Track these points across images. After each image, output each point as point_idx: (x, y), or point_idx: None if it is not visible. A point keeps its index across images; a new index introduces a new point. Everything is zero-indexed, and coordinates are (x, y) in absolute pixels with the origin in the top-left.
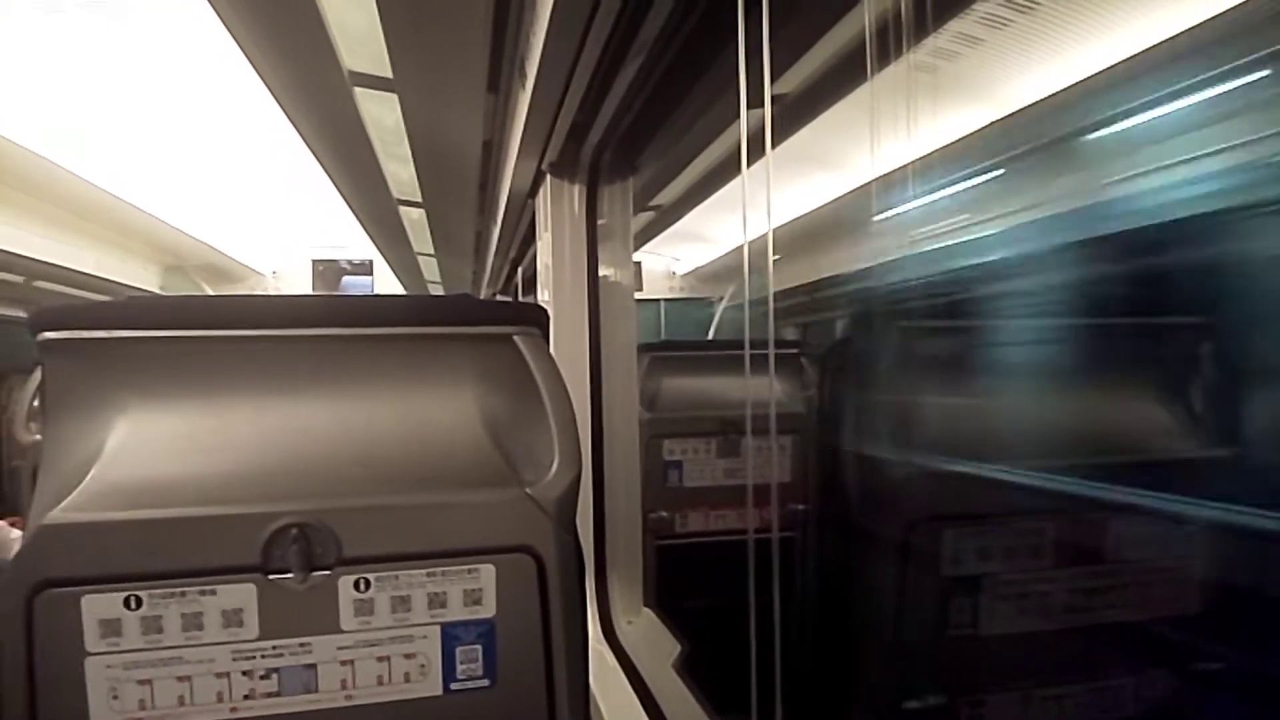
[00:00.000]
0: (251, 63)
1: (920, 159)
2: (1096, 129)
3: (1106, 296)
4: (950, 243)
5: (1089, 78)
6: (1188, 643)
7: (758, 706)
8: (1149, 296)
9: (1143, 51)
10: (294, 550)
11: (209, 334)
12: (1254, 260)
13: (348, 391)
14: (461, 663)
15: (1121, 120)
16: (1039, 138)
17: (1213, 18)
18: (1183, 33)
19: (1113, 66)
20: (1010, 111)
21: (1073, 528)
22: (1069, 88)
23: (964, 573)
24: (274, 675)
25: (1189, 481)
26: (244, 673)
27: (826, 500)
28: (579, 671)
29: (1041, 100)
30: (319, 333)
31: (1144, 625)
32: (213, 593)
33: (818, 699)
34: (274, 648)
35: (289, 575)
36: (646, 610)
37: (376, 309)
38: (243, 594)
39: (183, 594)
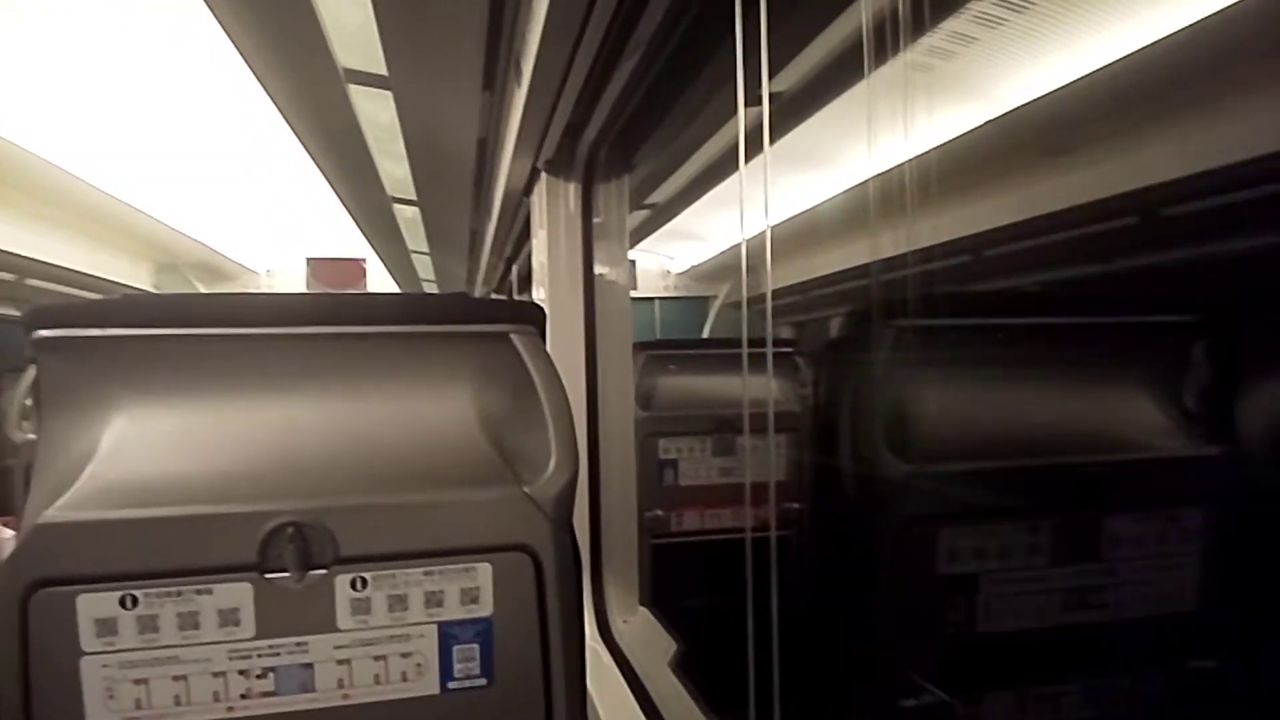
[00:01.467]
0: (245, 59)
1: (917, 157)
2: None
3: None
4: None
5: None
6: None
7: (756, 705)
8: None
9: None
10: (291, 549)
11: (205, 332)
12: None
13: (344, 390)
14: (459, 662)
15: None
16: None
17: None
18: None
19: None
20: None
21: (1069, 525)
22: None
23: (959, 571)
24: (270, 675)
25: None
26: (240, 672)
27: (822, 499)
28: (576, 670)
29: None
30: (315, 331)
31: (1136, 622)
32: (209, 592)
33: (815, 697)
34: (270, 647)
35: (286, 574)
36: (642, 609)
37: (372, 307)
38: (239, 593)
39: (179, 593)
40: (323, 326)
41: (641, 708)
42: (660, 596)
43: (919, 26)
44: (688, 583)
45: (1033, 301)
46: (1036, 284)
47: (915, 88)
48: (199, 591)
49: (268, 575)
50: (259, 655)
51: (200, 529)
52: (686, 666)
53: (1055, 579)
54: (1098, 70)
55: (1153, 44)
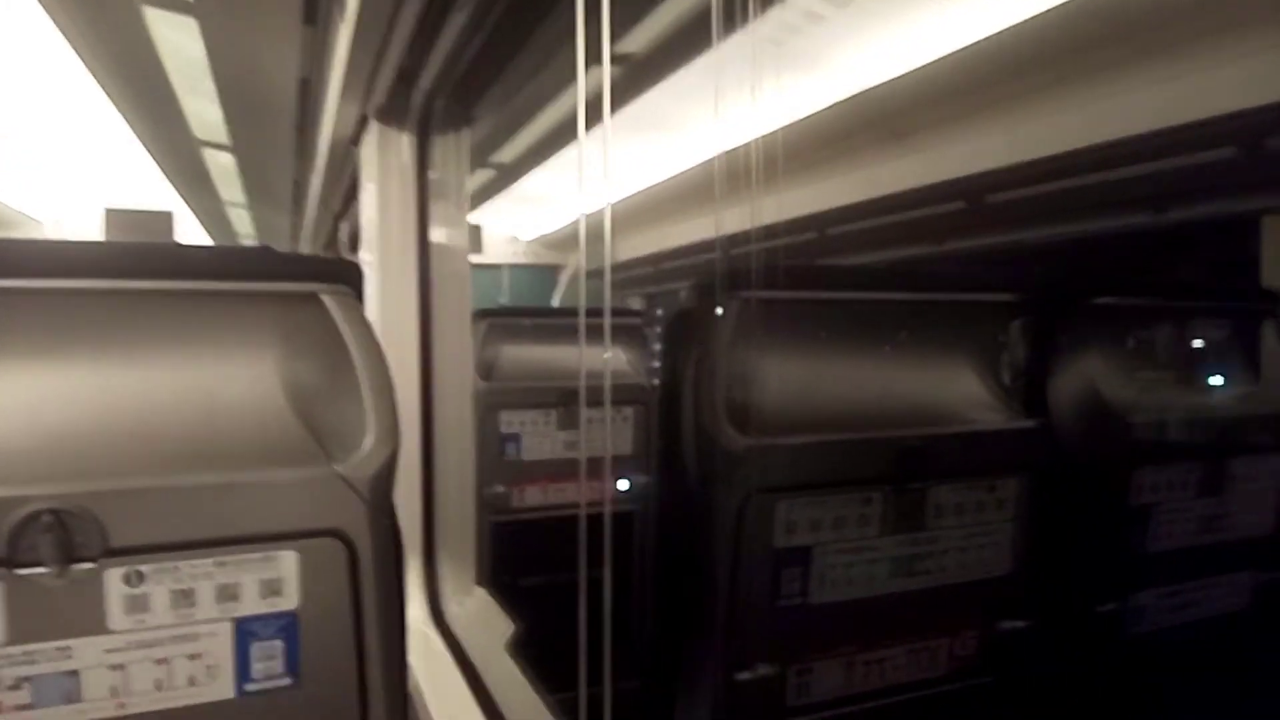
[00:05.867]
0: None
1: (767, 133)
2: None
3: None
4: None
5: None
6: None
7: (588, 682)
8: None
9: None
10: (48, 540)
11: None
12: None
13: (122, 354)
14: (258, 661)
15: None
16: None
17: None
18: None
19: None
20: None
21: (898, 496)
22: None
23: (795, 543)
24: (25, 685)
25: None
26: None
27: (666, 472)
28: (395, 663)
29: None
30: (87, 285)
31: (957, 587)
32: None
33: (650, 673)
34: (25, 654)
35: (43, 569)
36: (479, 590)
37: (160, 259)
38: None
39: None
40: (96, 280)
41: (474, 693)
42: (500, 575)
43: None
44: (530, 560)
45: (869, 278)
46: (874, 261)
47: (764, 61)
48: None
49: (19, 571)
50: (10, 664)
51: None
52: (526, 647)
53: (885, 548)
54: (938, 60)
55: (987, 38)
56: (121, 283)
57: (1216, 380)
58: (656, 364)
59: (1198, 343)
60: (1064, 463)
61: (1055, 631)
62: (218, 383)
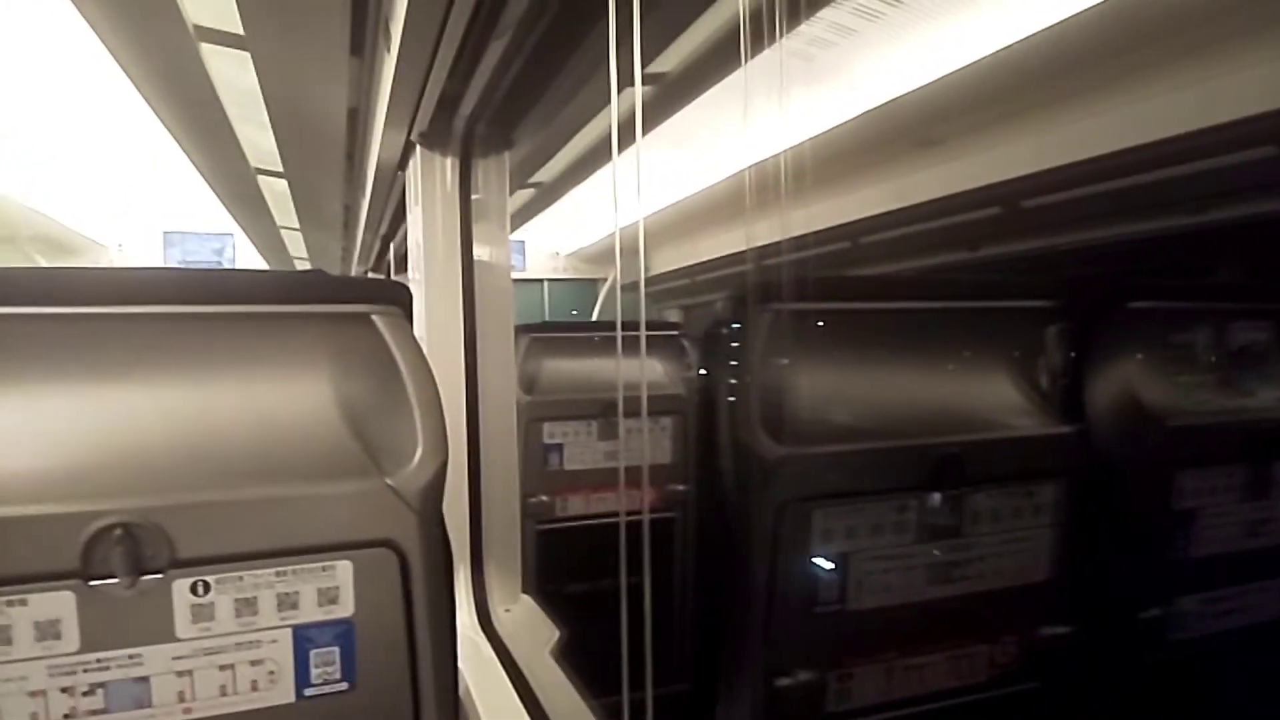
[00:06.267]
0: (82, 12)
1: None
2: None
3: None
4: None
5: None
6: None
7: (629, 689)
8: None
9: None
10: (119, 553)
11: (20, 311)
12: None
13: (185, 375)
14: (316, 666)
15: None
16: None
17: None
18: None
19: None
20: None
21: (934, 503)
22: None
23: (832, 550)
24: (99, 691)
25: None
26: (63, 689)
27: (704, 481)
28: (446, 668)
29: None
30: (151, 310)
31: (995, 593)
32: (23, 603)
33: (691, 679)
34: (98, 661)
35: (114, 580)
36: (525, 597)
37: (219, 284)
38: (59, 603)
39: None
40: (160, 305)
41: (521, 698)
42: (544, 583)
43: (795, 15)
44: (573, 568)
45: (902, 288)
46: (906, 270)
47: (794, 75)
48: (10, 603)
49: (92, 582)
50: (85, 670)
51: (11, 533)
52: (570, 653)
53: (922, 555)
54: (967, 66)
55: (1017, 43)
56: (185, 308)
57: (1259, 383)
58: (691, 375)
59: (1238, 345)
60: (1104, 468)
61: (1097, 638)
62: (275, 400)
